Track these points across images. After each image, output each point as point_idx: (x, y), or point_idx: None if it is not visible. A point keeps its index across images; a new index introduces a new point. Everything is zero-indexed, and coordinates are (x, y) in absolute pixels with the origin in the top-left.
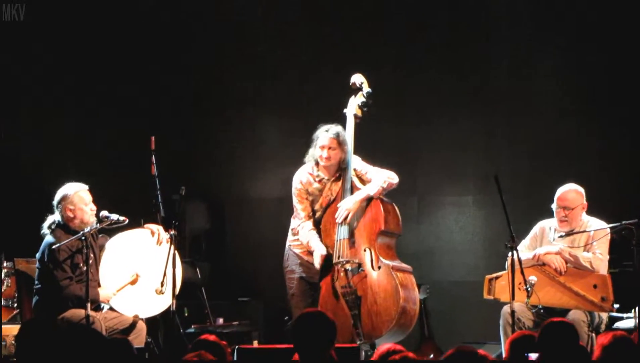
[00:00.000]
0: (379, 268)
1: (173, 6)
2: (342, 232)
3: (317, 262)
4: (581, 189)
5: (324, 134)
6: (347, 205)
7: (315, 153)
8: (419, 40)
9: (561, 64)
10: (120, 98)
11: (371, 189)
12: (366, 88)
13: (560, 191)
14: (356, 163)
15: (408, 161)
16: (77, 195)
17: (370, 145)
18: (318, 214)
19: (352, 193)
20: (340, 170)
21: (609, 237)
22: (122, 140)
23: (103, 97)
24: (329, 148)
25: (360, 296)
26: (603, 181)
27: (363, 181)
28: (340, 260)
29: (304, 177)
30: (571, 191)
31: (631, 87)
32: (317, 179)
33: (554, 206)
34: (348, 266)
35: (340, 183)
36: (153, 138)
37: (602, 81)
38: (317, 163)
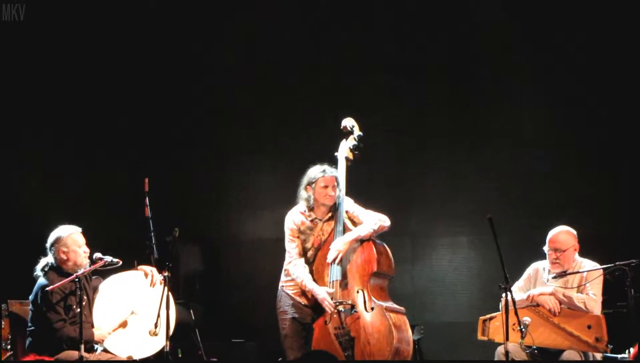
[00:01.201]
0: (372, 309)
1: (173, 48)
2: (335, 274)
3: (323, 295)
4: (572, 231)
5: (325, 174)
6: (338, 246)
7: (313, 194)
8: (413, 82)
9: (555, 109)
10: (114, 140)
11: (362, 231)
12: (357, 131)
13: (552, 233)
14: (348, 204)
15: (401, 202)
16: (70, 237)
17: (363, 186)
18: (309, 254)
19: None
20: (331, 210)
21: (602, 278)
22: (116, 182)
23: (97, 139)
24: (332, 187)
25: (353, 337)
26: (596, 223)
27: (355, 223)
28: (334, 301)
29: (296, 217)
30: (562, 233)
31: (622, 132)
32: (309, 219)
33: (545, 248)
34: (341, 308)
35: (332, 223)
36: (147, 180)
37: (596, 126)
38: (311, 205)
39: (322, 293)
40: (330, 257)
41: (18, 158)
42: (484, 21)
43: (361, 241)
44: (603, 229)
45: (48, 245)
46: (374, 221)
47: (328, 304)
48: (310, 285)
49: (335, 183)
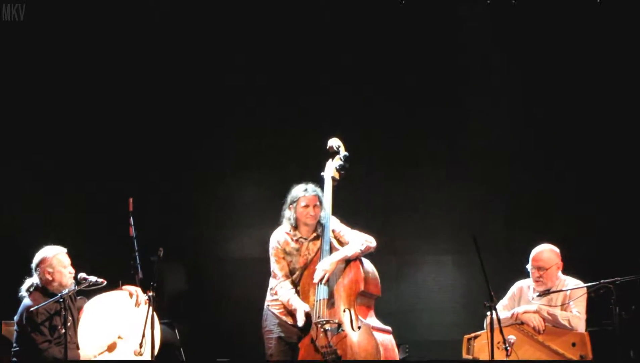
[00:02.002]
0: (359, 328)
1: (162, 65)
2: (322, 292)
3: (300, 319)
4: (556, 249)
5: (306, 193)
6: (324, 266)
7: (295, 213)
8: (395, 102)
9: (539, 125)
10: (99, 159)
11: (348, 251)
12: (343, 152)
13: (535, 251)
14: (334, 224)
15: (386, 221)
16: (55, 258)
17: (349, 206)
18: (296, 274)
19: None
20: (316, 229)
21: (586, 296)
22: (100, 202)
23: (81, 158)
24: (314, 206)
25: (340, 356)
26: (580, 240)
27: (341, 243)
28: (320, 320)
29: (281, 237)
30: (545, 251)
31: (609, 149)
32: (294, 239)
33: (529, 266)
34: (328, 327)
35: (318, 242)
36: (131, 200)
37: (582, 144)
38: (294, 224)
39: (300, 314)
40: (316, 277)
41: (2, 178)
42: (471, 41)
43: (348, 260)
44: (587, 246)
45: (33, 265)
46: (360, 241)
47: (299, 318)
48: (295, 304)
49: (318, 202)
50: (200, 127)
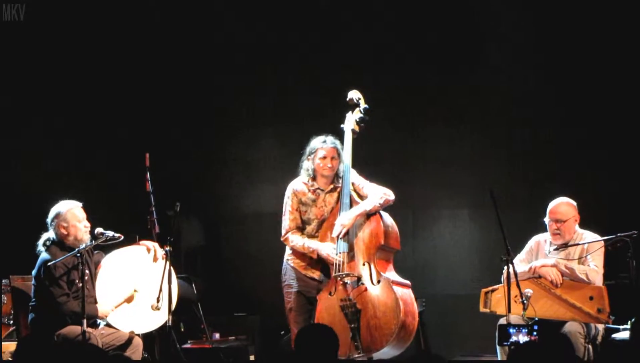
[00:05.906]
0: (379, 282)
1: (171, 27)
2: (341, 246)
3: (327, 250)
4: (573, 202)
5: (324, 144)
6: (343, 221)
7: (312, 164)
8: (414, 55)
9: (559, 80)
10: (115, 115)
11: (367, 206)
12: (363, 104)
13: (552, 204)
14: (354, 177)
15: (403, 174)
16: (70, 212)
17: (366, 159)
18: (312, 225)
19: (351, 207)
20: (334, 181)
21: (603, 249)
22: (117, 157)
23: (97, 115)
24: (332, 158)
25: (359, 309)
26: (598, 194)
27: (360, 196)
28: (340, 273)
29: (298, 186)
30: (562, 204)
31: (626, 102)
32: (311, 189)
33: (546, 219)
34: (347, 280)
35: (335, 194)
36: (147, 155)
37: (599, 96)
38: (312, 175)
39: (325, 248)
40: (335, 232)
41: (17, 134)
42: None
43: (368, 214)
44: (604, 200)
45: (48, 220)
46: (379, 195)
47: (334, 257)
48: (314, 245)
49: (336, 154)
50: (216, 84)
